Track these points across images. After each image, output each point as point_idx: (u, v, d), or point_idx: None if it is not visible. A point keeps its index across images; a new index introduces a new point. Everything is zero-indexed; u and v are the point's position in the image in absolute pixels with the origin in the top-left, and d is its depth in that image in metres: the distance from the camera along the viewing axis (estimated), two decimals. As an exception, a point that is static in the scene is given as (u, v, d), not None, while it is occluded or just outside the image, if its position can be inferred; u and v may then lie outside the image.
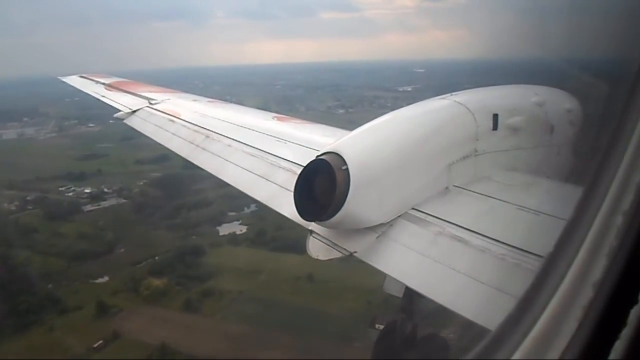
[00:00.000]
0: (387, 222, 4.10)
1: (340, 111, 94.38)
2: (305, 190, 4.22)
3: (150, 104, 9.54)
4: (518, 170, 4.58)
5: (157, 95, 10.15)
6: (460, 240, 3.63)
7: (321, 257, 4.40)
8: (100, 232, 51.32)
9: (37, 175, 65.22)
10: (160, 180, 63.57)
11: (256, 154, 6.20)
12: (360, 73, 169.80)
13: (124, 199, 60.26)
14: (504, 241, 3.40)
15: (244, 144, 6.59)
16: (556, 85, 5.39)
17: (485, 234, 3.54)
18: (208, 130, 7.46)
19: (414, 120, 4.66)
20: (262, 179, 5.72)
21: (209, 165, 6.76)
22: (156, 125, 8.62)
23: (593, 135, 4.21)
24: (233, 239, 50.04)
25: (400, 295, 5.40)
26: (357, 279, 42.51)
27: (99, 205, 58.84)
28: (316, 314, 37.66)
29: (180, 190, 60.74)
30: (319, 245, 4.46)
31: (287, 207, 4.86)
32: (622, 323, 1.39)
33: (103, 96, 11.27)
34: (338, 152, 4.07)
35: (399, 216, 4.12)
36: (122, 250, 48.53)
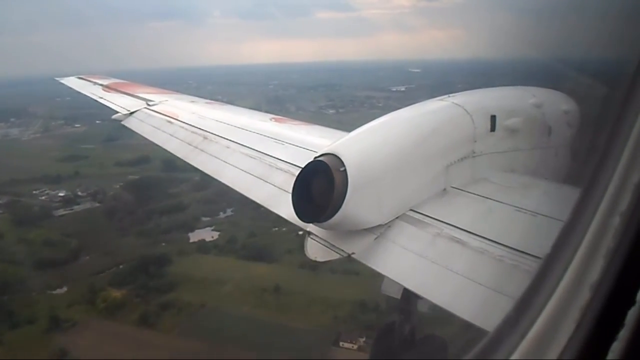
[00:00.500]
0: (385, 224, 4.01)
1: (331, 111, 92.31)
2: (303, 191, 4.11)
3: (148, 105, 9.33)
4: (516, 172, 4.55)
5: (155, 96, 9.93)
6: (458, 241, 3.57)
7: (319, 259, 4.26)
8: (66, 238, 48.58)
9: (13, 177, 62.48)
10: (136, 184, 61.06)
11: (254, 155, 6.11)
12: (355, 73, 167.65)
13: (98, 202, 57.61)
14: (502, 242, 3.35)
15: (242, 145, 6.48)
16: (553, 86, 5.31)
17: (483, 235, 3.49)
18: (206, 131, 7.33)
19: (412, 121, 4.56)
20: (260, 181, 5.62)
21: (207, 166, 6.61)
22: (154, 127, 8.44)
23: (590, 136, 4.20)
24: (202, 246, 47.39)
25: (398, 296, 5.32)
26: (325, 291, 40.16)
27: (72, 209, 56.18)
28: (279, 329, 35.07)
29: (156, 194, 58.34)
30: (317, 246, 4.33)
31: (284, 209, 4.79)
32: (619, 324, 1.37)
33: (101, 97, 10.91)
34: (336, 154, 3.98)
35: (397, 218, 4.04)
36: (87, 258, 45.95)
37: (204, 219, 53.59)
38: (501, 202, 3.86)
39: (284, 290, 39.13)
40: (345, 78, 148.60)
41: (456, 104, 4.56)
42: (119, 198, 56.86)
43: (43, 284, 41.13)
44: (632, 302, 1.36)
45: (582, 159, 4.58)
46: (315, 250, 4.38)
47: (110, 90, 11.23)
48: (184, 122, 8.06)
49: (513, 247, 3.27)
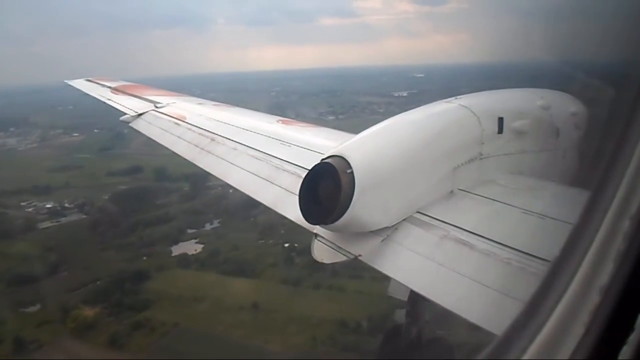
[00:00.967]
0: (392, 226, 4.01)
1: (330, 117, 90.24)
2: (310, 193, 4.10)
3: (156, 107, 9.33)
4: (523, 174, 4.47)
5: (162, 98, 9.89)
6: (465, 244, 3.54)
7: (326, 261, 4.23)
8: (46, 252, 46.61)
9: (2, 189, 61.02)
10: (124, 194, 59.14)
11: (261, 157, 6.08)
12: (359, 79, 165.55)
13: (85, 214, 55.65)
14: (509, 245, 3.32)
15: (249, 147, 6.45)
16: (561, 88, 5.29)
17: (490, 238, 3.47)
18: (213, 133, 7.31)
19: (419, 123, 4.53)
20: (267, 182, 5.57)
21: (214, 168, 6.63)
22: (162, 129, 8.44)
23: (599, 138, 4.11)
24: (183, 260, 45.08)
25: (405, 298, 5.29)
26: (305, 308, 37.66)
27: (58, 221, 54.25)
28: (252, 351, 32.63)
29: (143, 205, 56.40)
30: (324, 248, 4.29)
31: (291, 211, 4.72)
32: (629, 328, 1.37)
33: (109, 99, 10.85)
34: (343, 156, 3.97)
35: (403, 220, 4.04)
36: (65, 273, 43.88)
37: (189, 231, 51.41)
38: (508, 205, 3.80)
39: (263, 308, 36.73)
40: (348, 84, 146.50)
41: (463, 106, 4.47)
42: (103, 210, 54.84)
43: (15, 301, 39.15)
44: None
45: (590, 162, 4.45)
46: (322, 252, 4.29)
47: (118, 93, 11.04)
48: (191, 124, 7.98)
49: (520, 249, 3.21)
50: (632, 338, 1.34)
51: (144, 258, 45.93)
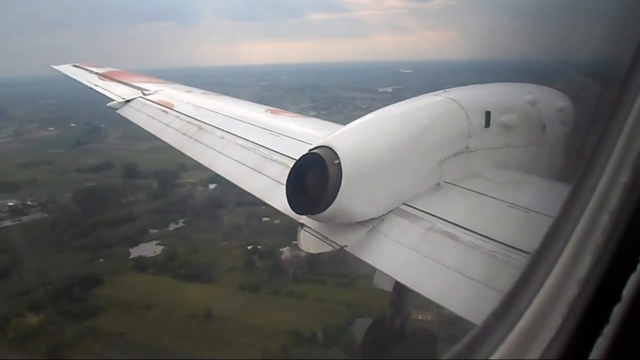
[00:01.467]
0: (378, 217, 4.01)
1: (312, 113, 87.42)
2: (297, 183, 4.09)
3: (144, 94, 9.14)
4: (509, 168, 4.47)
5: (150, 85, 9.65)
6: (450, 236, 3.55)
7: (312, 251, 4.24)
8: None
9: (-33, 186, 58.32)
10: (89, 192, 56.42)
11: (249, 146, 6.01)
12: (346, 74, 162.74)
13: (47, 213, 52.98)
14: (494, 238, 3.33)
15: (237, 136, 6.38)
16: (549, 84, 5.26)
17: (475, 231, 3.48)
18: (201, 121, 7.21)
19: (407, 115, 4.50)
20: (254, 172, 5.53)
21: (202, 157, 6.52)
22: (149, 116, 8.30)
23: (583, 134, 4.28)
24: (140, 263, 42.57)
25: (390, 289, 5.29)
26: (261, 317, 35.18)
27: (20, 220, 51.58)
28: (197, 364, 30.41)
29: (107, 203, 53.77)
30: (310, 238, 4.26)
31: (278, 200, 4.66)
32: (605, 320, 1.39)
33: (96, 85, 10.53)
34: (330, 146, 3.95)
35: (390, 211, 4.03)
36: (16, 277, 41.34)
37: (152, 231, 48.97)
38: (494, 198, 3.81)
39: (216, 317, 34.35)
40: (335, 79, 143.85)
41: (451, 99, 4.46)
42: (64, 208, 52.15)
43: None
44: (618, 299, 1.38)
45: (576, 157, 4.57)
46: (308, 243, 4.25)
47: (106, 79, 10.76)
48: (179, 112, 7.85)
49: (505, 242, 3.22)
50: (607, 330, 1.36)
51: (101, 260, 43.49)
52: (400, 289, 5.21)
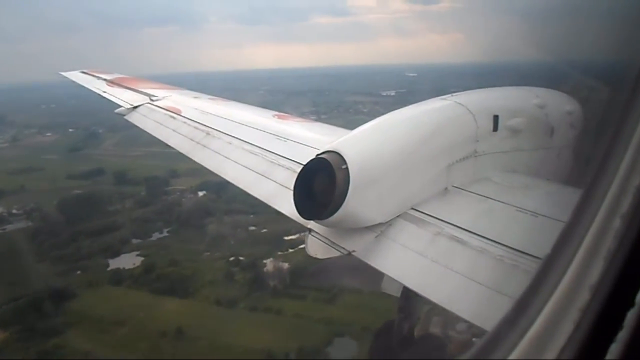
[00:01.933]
0: (386, 222, 3.95)
1: (312, 117, 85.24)
2: (305, 188, 4.04)
3: (151, 100, 9.07)
4: (518, 172, 4.41)
5: (158, 91, 9.52)
6: (458, 240, 3.51)
7: (319, 256, 4.14)
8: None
9: (-47, 194, 56.91)
10: (75, 200, 54.76)
11: (256, 151, 5.98)
12: (350, 77, 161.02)
13: (32, 222, 51.35)
14: (503, 242, 3.29)
15: (244, 141, 6.34)
16: (557, 87, 5.17)
17: (483, 235, 3.43)
18: (209, 127, 7.17)
19: (414, 120, 4.44)
20: (262, 177, 5.48)
21: (209, 162, 6.45)
22: (157, 122, 8.22)
23: (593, 137, 4.32)
24: (117, 276, 40.60)
25: (398, 294, 5.28)
26: (234, 335, 33.03)
27: (4, 229, 50.13)
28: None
29: (92, 212, 52.03)
30: (318, 244, 4.19)
31: (286, 206, 4.58)
32: (618, 326, 1.37)
33: (104, 92, 10.36)
34: (338, 151, 3.91)
35: (398, 216, 3.98)
36: (-12, 290, 39.56)
37: (134, 241, 47.09)
38: (502, 202, 3.77)
39: (187, 334, 32.28)
40: (339, 83, 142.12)
41: (459, 103, 4.41)
42: (46, 217, 50.45)
43: None
44: (631, 304, 1.35)
45: (585, 160, 4.59)
46: (315, 248, 4.19)
47: (113, 85, 10.69)
48: (187, 118, 7.80)
49: (514, 247, 3.18)
50: (620, 336, 1.34)
51: (78, 272, 41.64)
52: (408, 294, 5.15)
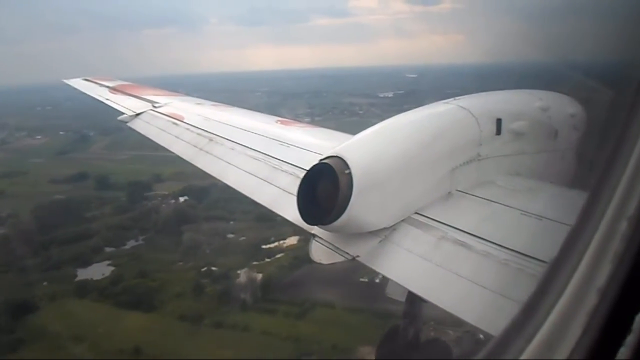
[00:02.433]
0: (390, 227, 3.92)
1: (306, 119, 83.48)
2: (308, 193, 4.00)
3: (154, 107, 8.99)
4: (521, 175, 4.41)
5: (160, 98, 9.49)
6: (463, 244, 3.46)
7: (323, 261, 4.08)
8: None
9: None
10: (52, 206, 52.91)
11: (259, 157, 5.96)
12: (349, 79, 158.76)
13: (6, 228, 49.38)
14: (507, 246, 3.25)
15: (247, 147, 6.31)
16: (560, 90, 5.13)
17: (488, 239, 3.39)
18: (211, 133, 7.13)
19: (417, 124, 4.43)
20: (265, 183, 5.45)
21: (212, 168, 6.46)
22: (159, 128, 8.15)
23: (597, 140, 4.25)
24: (83, 287, 38.58)
25: (403, 299, 5.27)
26: (193, 353, 31.23)
27: (-22, 237, 48.20)
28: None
29: (68, 218, 50.04)
30: (322, 249, 4.14)
31: (289, 211, 4.53)
32: (626, 329, 1.36)
33: (107, 99, 10.21)
34: (341, 156, 3.88)
35: (401, 220, 3.95)
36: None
37: (107, 249, 45.16)
38: (506, 206, 3.73)
39: (144, 353, 30.25)
40: (338, 85, 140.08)
41: (462, 107, 4.39)
42: (20, 224, 48.47)
43: None
44: (639, 307, 1.34)
45: (589, 163, 4.58)
46: (319, 253, 4.14)
47: (116, 92, 10.53)
48: (189, 124, 7.75)
49: (518, 250, 3.15)
50: (629, 340, 1.33)
51: (44, 284, 39.56)
52: (413, 299, 5.10)
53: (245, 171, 5.80)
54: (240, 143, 6.43)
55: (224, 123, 7.47)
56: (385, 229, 3.87)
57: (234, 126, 7.22)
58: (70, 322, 33.87)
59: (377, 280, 38.21)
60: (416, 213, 3.91)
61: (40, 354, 30.68)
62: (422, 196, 3.97)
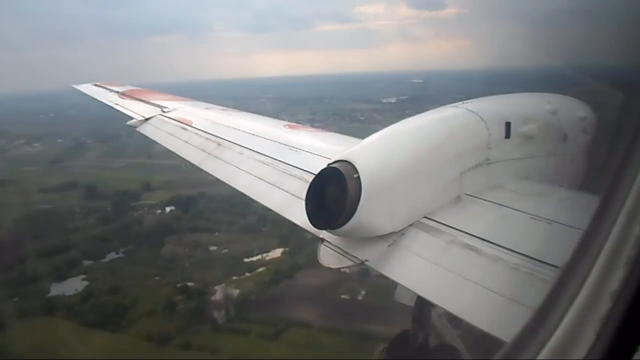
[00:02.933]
0: (399, 231, 3.85)
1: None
2: (317, 198, 3.94)
3: (163, 112, 9.02)
4: (531, 179, 4.32)
5: (169, 103, 9.51)
6: (472, 249, 3.39)
7: (332, 266, 4.03)
8: None
9: None
10: (35, 216, 51.20)
11: (268, 161, 5.93)
12: (353, 84, 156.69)
13: (-12, 240, 47.80)
14: (517, 250, 3.18)
15: (256, 152, 6.29)
16: (569, 93, 5.11)
17: (498, 243, 3.33)
18: (220, 138, 7.12)
19: (426, 128, 4.36)
20: (273, 187, 5.39)
21: (221, 173, 6.39)
22: (168, 133, 8.18)
23: (607, 143, 4.24)
24: (52, 304, 36.63)
25: (412, 304, 5.28)
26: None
27: (-41, 248, 46.65)
28: None
29: (50, 229, 48.35)
30: (330, 253, 4.08)
31: (298, 215, 4.49)
32: None
33: (117, 104, 10.28)
34: (350, 160, 3.83)
35: (410, 225, 3.88)
36: None
37: (85, 262, 43.27)
38: (516, 210, 3.66)
39: (104, 378, 28.10)
40: (342, 90, 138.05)
41: (470, 111, 4.34)
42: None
43: None
44: None
45: (599, 166, 4.57)
46: (328, 258, 4.08)
47: (126, 97, 10.59)
48: (198, 129, 7.75)
49: (529, 255, 3.09)
50: None
51: (15, 299, 37.63)
52: (422, 304, 5.12)
53: (254, 175, 5.77)
54: (249, 147, 6.41)
55: (232, 128, 7.45)
56: (394, 233, 3.80)
57: (242, 131, 7.18)
58: (32, 342, 31.85)
59: (360, 298, 36.03)
60: (425, 217, 3.86)
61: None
62: (431, 200, 3.92)
